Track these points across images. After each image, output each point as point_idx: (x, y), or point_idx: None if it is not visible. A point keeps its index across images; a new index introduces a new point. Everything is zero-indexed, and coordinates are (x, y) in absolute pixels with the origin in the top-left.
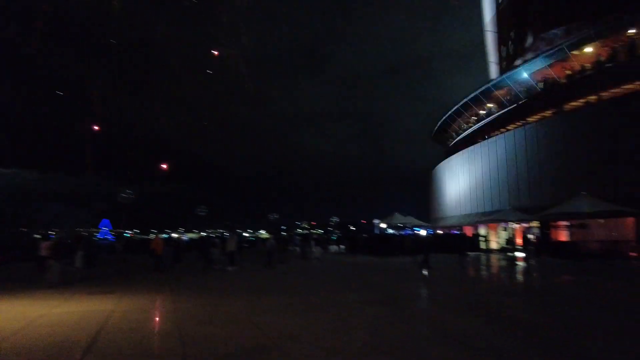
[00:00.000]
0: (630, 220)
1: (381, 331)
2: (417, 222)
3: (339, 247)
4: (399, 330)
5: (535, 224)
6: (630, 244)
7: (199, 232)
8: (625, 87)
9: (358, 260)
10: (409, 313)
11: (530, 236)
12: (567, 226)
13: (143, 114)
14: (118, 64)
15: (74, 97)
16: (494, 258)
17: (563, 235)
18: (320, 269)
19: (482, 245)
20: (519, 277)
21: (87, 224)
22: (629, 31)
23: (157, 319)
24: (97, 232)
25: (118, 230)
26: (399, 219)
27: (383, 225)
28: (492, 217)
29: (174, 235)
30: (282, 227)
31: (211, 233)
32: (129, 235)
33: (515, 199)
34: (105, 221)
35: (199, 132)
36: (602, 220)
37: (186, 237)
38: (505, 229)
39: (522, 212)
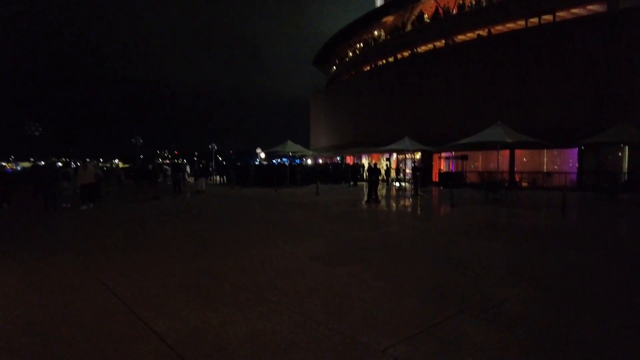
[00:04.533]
0: (505, 153)
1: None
2: (307, 151)
3: (222, 178)
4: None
5: (417, 155)
6: (504, 174)
7: (36, 160)
8: (509, 25)
9: (252, 193)
10: (399, 274)
11: (410, 167)
12: (448, 157)
13: None
14: None
15: None
16: (389, 188)
17: (443, 166)
18: (216, 205)
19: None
20: (442, 210)
21: None
22: None
23: None
24: None
25: None
26: (292, 147)
27: (263, 155)
28: (389, 147)
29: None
30: (141, 156)
31: (56, 162)
32: None
33: (411, 129)
34: None
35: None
36: (480, 153)
37: (20, 166)
38: (388, 160)
39: (418, 142)
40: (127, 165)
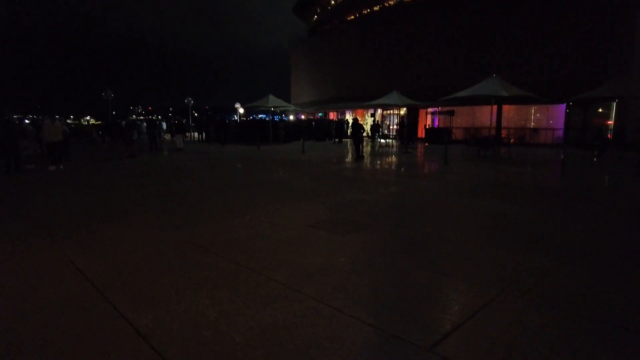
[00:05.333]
0: (493, 108)
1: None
2: (289, 106)
3: (200, 135)
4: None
5: (402, 110)
6: (490, 130)
7: None
8: None
9: (233, 150)
10: (415, 243)
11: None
12: (435, 112)
13: None
14: None
15: None
16: (374, 145)
17: (429, 121)
18: (196, 165)
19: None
20: (436, 169)
21: None
22: None
23: None
24: None
25: None
26: (274, 101)
27: (242, 110)
28: (377, 102)
29: None
30: (113, 112)
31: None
32: None
33: (397, 83)
34: None
35: None
36: (465, 108)
37: None
38: (372, 115)
39: (407, 97)
40: (99, 122)
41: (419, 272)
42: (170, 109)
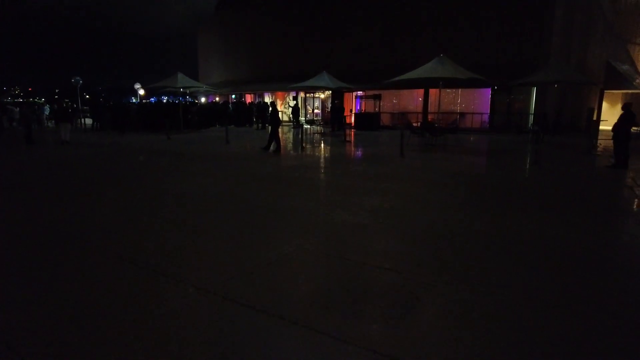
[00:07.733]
0: (420, 92)
1: None
2: (202, 86)
3: (96, 123)
4: None
5: (326, 93)
6: (418, 115)
7: None
8: None
9: (136, 141)
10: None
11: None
12: (362, 97)
13: None
14: None
15: None
16: (298, 133)
17: (353, 106)
18: (87, 166)
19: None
20: (399, 163)
21: None
22: None
23: None
24: None
25: None
26: (184, 81)
27: (142, 92)
28: (306, 84)
29: None
30: None
31: None
32: None
33: (322, 63)
34: None
35: None
36: (387, 92)
37: None
38: (295, 99)
39: (337, 79)
40: None
41: None
42: (57, 91)
